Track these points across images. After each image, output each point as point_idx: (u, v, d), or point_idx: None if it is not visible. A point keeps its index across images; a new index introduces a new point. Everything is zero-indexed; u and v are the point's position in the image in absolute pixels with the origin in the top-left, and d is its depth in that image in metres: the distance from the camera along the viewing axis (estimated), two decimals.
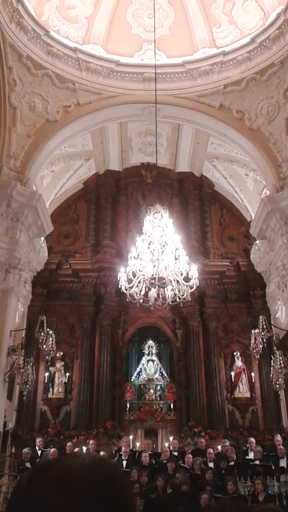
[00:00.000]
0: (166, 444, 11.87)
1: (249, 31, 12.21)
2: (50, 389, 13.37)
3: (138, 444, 12.32)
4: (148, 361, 14.65)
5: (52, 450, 10.68)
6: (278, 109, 11.96)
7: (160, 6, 12.52)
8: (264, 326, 11.49)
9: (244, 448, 11.40)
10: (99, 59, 12.52)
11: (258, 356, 11.90)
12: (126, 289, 8.15)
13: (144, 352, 14.83)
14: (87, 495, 0.76)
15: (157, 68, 11.45)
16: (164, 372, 14.65)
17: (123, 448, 10.51)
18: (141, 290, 8.05)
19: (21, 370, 10.82)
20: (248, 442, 11.00)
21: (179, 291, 7.99)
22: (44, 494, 0.77)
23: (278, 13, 11.29)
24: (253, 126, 12.28)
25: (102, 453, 10.08)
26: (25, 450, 10.31)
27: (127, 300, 8.45)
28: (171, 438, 11.97)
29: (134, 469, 9.16)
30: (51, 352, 11.55)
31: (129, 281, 8.13)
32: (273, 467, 9.53)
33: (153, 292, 7.99)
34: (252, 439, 10.92)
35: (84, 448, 10.74)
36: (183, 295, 8.02)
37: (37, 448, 10.93)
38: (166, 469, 9.42)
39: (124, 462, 10.01)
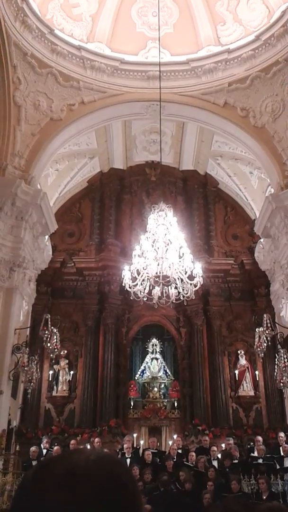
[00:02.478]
0: (170, 443, 11.86)
1: (253, 28, 12.16)
2: (55, 387, 13.40)
3: (142, 442, 12.33)
4: (152, 359, 14.66)
5: (56, 448, 10.69)
6: (283, 106, 11.92)
7: (165, 4, 12.48)
8: (268, 325, 11.46)
9: (248, 446, 11.39)
10: (103, 57, 12.51)
11: (262, 354, 11.88)
12: (130, 287, 8.16)
13: (148, 350, 14.84)
14: (92, 491, 0.76)
15: (162, 66, 11.41)
16: (168, 370, 14.66)
17: (125, 446, 10.51)
18: (145, 288, 8.04)
19: (26, 368, 10.84)
20: (255, 440, 10.97)
21: (183, 289, 7.98)
22: (49, 490, 0.77)
23: (283, 11, 11.25)
24: (258, 124, 12.24)
25: (105, 451, 10.08)
26: (33, 448, 10.32)
27: (131, 298, 8.45)
28: (175, 436, 11.97)
29: (136, 467, 9.16)
30: (56, 350, 11.57)
31: (133, 279, 8.13)
32: (278, 466, 9.51)
33: (157, 290, 7.99)
34: (259, 438, 10.90)
35: (88, 446, 10.75)
36: (187, 293, 8.01)
37: (42, 446, 10.93)
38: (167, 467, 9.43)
39: (128, 460, 10.01)
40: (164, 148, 13.48)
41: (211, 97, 12.62)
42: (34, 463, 9.62)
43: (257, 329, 11.76)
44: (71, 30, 12.44)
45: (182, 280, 7.96)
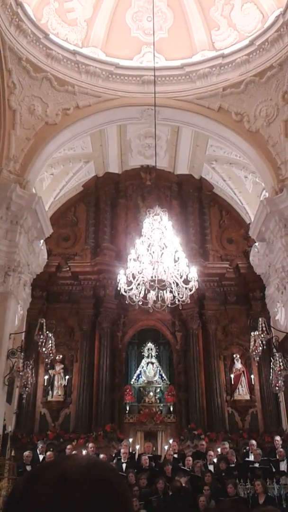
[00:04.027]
0: (166, 447, 11.82)
1: (248, 33, 12.23)
2: (50, 392, 13.34)
3: (137, 447, 12.29)
4: (147, 363, 14.62)
5: (48, 453, 10.64)
6: (277, 111, 11.97)
7: (159, 9, 12.54)
8: (264, 328, 11.48)
9: (244, 450, 11.38)
10: (98, 62, 12.54)
11: (258, 358, 11.88)
12: (125, 292, 8.15)
13: (143, 355, 14.79)
14: (83, 497, 0.76)
15: (156, 70, 11.46)
16: (163, 375, 14.61)
17: (122, 451, 10.47)
18: (140, 292, 8.04)
19: (21, 373, 10.79)
20: (249, 444, 10.98)
21: (178, 294, 7.98)
22: (41, 497, 0.77)
23: (277, 16, 11.32)
24: (252, 129, 12.29)
25: (101, 456, 10.05)
26: (26, 453, 10.27)
27: (127, 302, 8.44)
28: (171, 441, 11.94)
29: (131, 472, 9.13)
30: (51, 355, 11.52)
31: (129, 283, 8.12)
32: (274, 470, 9.50)
33: (152, 295, 7.98)
34: (253, 442, 10.89)
35: (84, 452, 10.71)
36: (182, 298, 8.01)
37: (38, 451, 10.87)
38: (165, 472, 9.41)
39: (124, 465, 9.97)
40: (159, 152, 13.51)
41: (206, 102, 12.66)
42: (28, 468, 9.58)
43: (252, 333, 11.77)
44: (66, 34, 12.48)
45: (177, 284, 7.97)
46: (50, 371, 13.47)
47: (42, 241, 13.14)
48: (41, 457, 10.74)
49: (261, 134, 12.20)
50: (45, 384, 13.39)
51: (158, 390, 14.33)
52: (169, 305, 8.21)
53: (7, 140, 11.55)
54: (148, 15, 12.27)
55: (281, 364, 11.07)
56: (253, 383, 13.61)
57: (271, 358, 11.58)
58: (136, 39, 13.01)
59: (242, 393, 13.49)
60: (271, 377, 11.43)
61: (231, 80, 12.38)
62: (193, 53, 12.81)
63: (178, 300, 8.03)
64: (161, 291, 7.92)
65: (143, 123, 13.30)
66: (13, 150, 11.63)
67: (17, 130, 11.73)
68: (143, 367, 14.62)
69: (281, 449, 10.10)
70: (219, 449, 11.14)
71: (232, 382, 13.63)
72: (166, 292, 7.96)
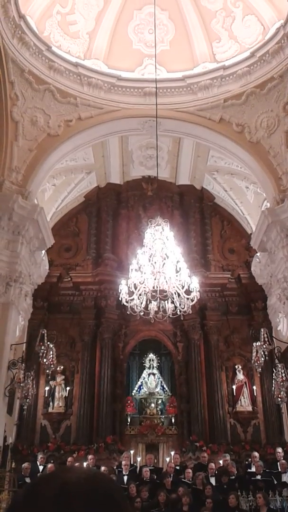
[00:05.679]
0: (168, 459, 11.72)
1: (249, 45, 12.33)
2: (51, 403, 13.28)
3: (139, 459, 12.19)
4: (149, 374, 14.54)
5: (50, 465, 10.57)
6: (278, 122, 12.03)
7: (161, 21, 12.67)
8: (266, 339, 11.43)
9: (246, 462, 11.29)
10: (100, 74, 12.64)
11: (260, 369, 11.81)
12: (127, 302, 8.13)
13: (145, 366, 14.72)
14: (84, 509, 0.75)
15: (158, 82, 11.54)
16: (165, 386, 14.54)
17: (123, 463, 10.39)
18: (141, 303, 8.02)
19: (22, 384, 10.74)
20: (251, 456, 10.89)
21: (180, 304, 7.97)
22: (41, 508, 0.76)
23: (278, 28, 11.42)
24: (253, 139, 12.34)
25: (103, 468, 9.97)
26: (25, 465, 10.22)
27: (128, 313, 8.42)
28: (172, 453, 11.84)
29: (132, 484, 9.05)
30: (52, 366, 11.48)
31: (130, 293, 8.11)
32: (275, 482, 9.42)
33: (153, 305, 7.97)
34: (256, 453, 10.80)
35: (85, 464, 10.63)
36: (184, 308, 7.99)
37: (38, 463, 10.82)
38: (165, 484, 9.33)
39: (125, 477, 9.89)
40: (160, 163, 13.56)
41: (207, 113, 12.74)
42: (27, 480, 9.52)
43: (254, 344, 11.71)
44: (68, 47, 12.59)
45: (179, 294, 7.95)
46: (51, 382, 13.42)
47: (43, 251, 13.16)
48: (40, 468, 10.69)
49: (262, 145, 12.25)
50: (46, 395, 13.33)
51: (160, 401, 14.24)
52: (170, 316, 8.18)
53: (9, 151, 11.62)
54: (150, 27, 12.39)
55: (283, 375, 11.01)
56: (255, 394, 13.53)
57: (273, 369, 11.51)
58: (138, 51, 13.13)
59: (244, 404, 13.41)
60: (273, 388, 11.36)
61: (232, 91, 12.46)
62: (195, 65, 12.92)
63: (180, 311, 8.00)
64: (162, 302, 7.91)
65: (144, 134, 13.37)
66: (15, 161, 11.69)
67: (19, 142, 11.80)
68: (144, 378, 14.55)
69: (284, 461, 10.02)
70: (221, 461, 11.05)
71: (234, 393, 13.54)
72: (168, 302, 7.94)
